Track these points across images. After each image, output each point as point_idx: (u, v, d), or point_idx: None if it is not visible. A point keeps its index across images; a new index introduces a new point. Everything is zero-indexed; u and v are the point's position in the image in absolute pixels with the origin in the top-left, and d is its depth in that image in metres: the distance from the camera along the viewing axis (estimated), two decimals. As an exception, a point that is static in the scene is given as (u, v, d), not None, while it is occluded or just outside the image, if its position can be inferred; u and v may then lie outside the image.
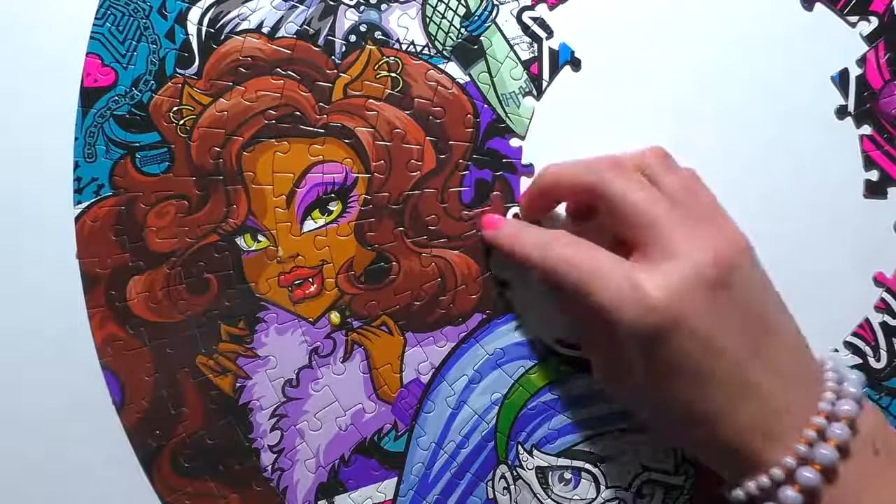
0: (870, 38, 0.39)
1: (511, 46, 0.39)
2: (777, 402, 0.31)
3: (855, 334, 0.39)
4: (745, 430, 0.31)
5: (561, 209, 0.38)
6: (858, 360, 0.39)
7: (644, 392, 0.33)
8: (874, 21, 0.39)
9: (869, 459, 0.31)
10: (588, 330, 0.36)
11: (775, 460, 0.31)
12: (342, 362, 0.39)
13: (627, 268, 0.31)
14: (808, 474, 0.30)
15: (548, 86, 0.39)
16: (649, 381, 0.32)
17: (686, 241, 0.31)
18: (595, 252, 0.33)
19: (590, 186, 0.33)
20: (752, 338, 0.31)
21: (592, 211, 0.36)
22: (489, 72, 0.39)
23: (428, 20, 0.39)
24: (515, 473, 0.39)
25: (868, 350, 0.39)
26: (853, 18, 0.39)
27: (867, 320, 0.39)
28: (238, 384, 0.39)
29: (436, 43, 0.39)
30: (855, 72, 0.39)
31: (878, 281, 0.39)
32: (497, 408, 0.39)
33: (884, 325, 0.39)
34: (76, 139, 0.38)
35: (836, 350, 0.39)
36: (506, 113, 0.39)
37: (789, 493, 0.30)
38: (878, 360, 0.39)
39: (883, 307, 0.39)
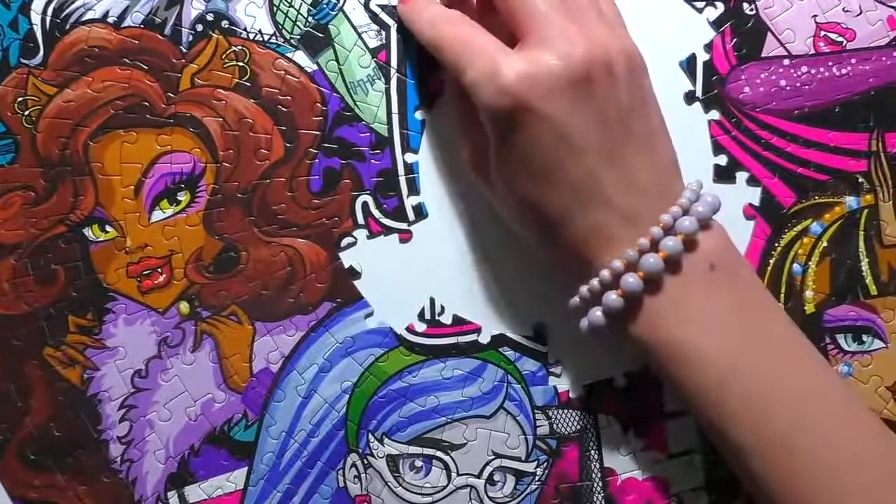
0: (716, 24, 0.39)
1: (359, 34, 0.39)
2: (623, 211, 0.32)
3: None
4: (589, 235, 0.32)
5: None
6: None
7: (499, 184, 0.33)
8: (720, 7, 0.39)
9: (700, 275, 0.32)
10: (463, 113, 0.36)
11: (605, 265, 0.32)
12: (192, 352, 0.39)
13: (497, 50, 0.32)
14: (630, 279, 0.31)
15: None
16: (503, 171, 0.33)
17: (562, 33, 0.31)
18: (475, 32, 0.33)
19: None
20: (609, 143, 0.31)
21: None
22: (337, 60, 0.39)
23: (275, 9, 0.39)
24: (366, 462, 0.39)
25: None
26: (700, 4, 0.40)
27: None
28: (86, 375, 0.39)
29: (283, 31, 0.39)
30: (702, 57, 0.39)
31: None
32: (347, 396, 0.39)
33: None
34: (-83, 130, 0.38)
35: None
36: (354, 101, 0.39)
37: (612, 296, 0.31)
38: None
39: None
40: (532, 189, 0.32)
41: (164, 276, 0.39)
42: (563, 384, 0.39)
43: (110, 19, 0.39)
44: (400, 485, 0.39)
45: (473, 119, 0.34)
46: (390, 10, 0.39)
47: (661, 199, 0.32)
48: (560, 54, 0.31)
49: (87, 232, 0.39)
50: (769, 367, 0.32)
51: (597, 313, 0.32)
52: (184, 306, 0.39)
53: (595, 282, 0.32)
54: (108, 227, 0.39)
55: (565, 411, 0.39)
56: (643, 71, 0.33)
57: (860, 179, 0.39)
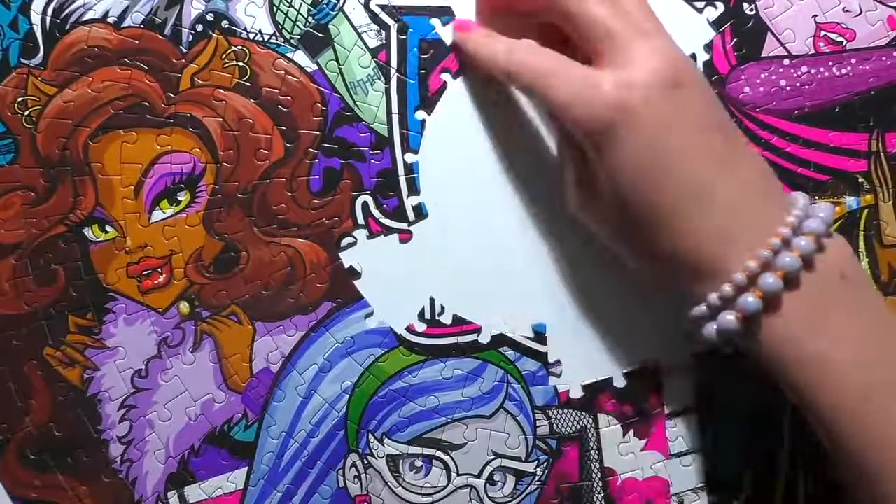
0: (716, 24, 0.39)
1: (359, 34, 0.39)
2: (742, 211, 0.31)
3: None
4: (710, 236, 0.31)
5: None
6: (708, 345, 0.39)
7: (607, 201, 0.33)
8: (720, 7, 0.39)
9: (835, 281, 0.31)
10: (561, 147, 0.36)
11: (738, 267, 0.30)
12: (192, 352, 0.39)
13: (585, 70, 0.32)
14: (770, 279, 0.30)
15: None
16: (609, 185, 0.32)
17: (642, 49, 0.32)
18: (556, 56, 0.33)
19: (556, 7, 0.34)
20: (713, 142, 0.31)
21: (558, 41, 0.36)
22: (337, 60, 0.39)
23: (275, 9, 0.39)
24: (366, 462, 0.39)
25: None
26: (700, 4, 0.40)
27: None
28: (86, 375, 0.39)
29: (283, 32, 0.39)
30: (702, 57, 0.39)
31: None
32: (347, 396, 0.39)
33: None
34: (-83, 131, 0.38)
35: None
36: (354, 101, 0.39)
37: (750, 298, 0.30)
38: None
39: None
40: (641, 194, 0.31)
41: (164, 276, 0.39)
42: (563, 384, 0.39)
43: (110, 19, 0.39)
44: (400, 485, 0.39)
45: (567, 150, 0.35)
46: (390, 11, 0.39)
47: (775, 199, 0.32)
48: (651, 66, 0.31)
49: (87, 232, 0.39)
50: None
51: (728, 317, 0.31)
52: (184, 306, 0.39)
53: (727, 286, 0.30)
54: (108, 227, 0.39)
55: (565, 411, 0.39)
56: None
57: (860, 179, 0.39)
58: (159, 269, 0.39)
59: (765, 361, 0.31)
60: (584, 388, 0.39)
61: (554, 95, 0.32)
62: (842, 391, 0.30)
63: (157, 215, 0.39)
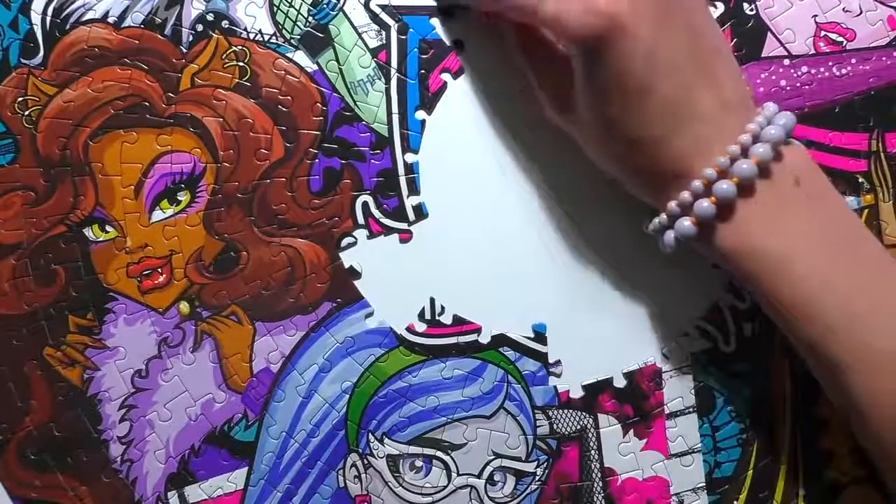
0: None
1: (359, 34, 0.39)
2: (715, 124, 0.32)
3: (705, 318, 0.39)
4: (684, 152, 0.32)
5: None
6: (708, 345, 0.39)
7: (588, 114, 0.33)
8: (720, 6, 0.39)
9: (788, 187, 0.32)
10: (538, 57, 0.36)
11: (699, 175, 0.32)
12: (192, 352, 0.39)
13: None
14: (724, 185, 0.31)
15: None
16: (594, 99, 0.32)
17: None
18: None
19: None
20: (699, 56, 0.32)
21: None
22: (337, 60, 0.39)
23: (275, 9, 0.39)
24: (367, 462, 0.39)
25: (718, 335, 0.39)
26: (700, 4, 0.39)
27: (716, 304, 0.39)
28: (86, 375, 0.39)
29: (283, 32, 0.39)
30: (702, 57, 0.39)
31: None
32: (347, 396, 0.39)
33: (732, 308, 0.39)
34: (-83, 130, 0.38)
35: (687, 334, 0.39)
36: (354, 101, 0.39)
37: (704, 204, 0.31)
38: (728, 345, 0.39)
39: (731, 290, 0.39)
40: (626, 113, 0.32)
41: (164, 276, 0.39)
42: (563, 384, 0.39)
43: (111, 19, 0.39)
44: (400, 485, 0.39)
45: (547, 59, 0.35)
46: (390, 10, 0.39)
47: (746, 111, 0.33)
48: None
49: (88, 232, 0.39)
50: (867, 283, 0.32)
51: (685, 223, 0.32)
52: (184, 306, 0.39)
53: (686, 193, 0.32)
54: (108, 227, 0.39)
55: (565, 411, 0.39)
56: None
57: (860, 179, 0.39)
58: (159, 269, 0.39)
59: (723, 262, 0.33)
60: (585, 388, 0.39)
61: (544, 9, 0.31)
62: (796, 287, 0.31)
63: (158, 215, 0.39)
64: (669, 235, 0.33)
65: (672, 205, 0.33)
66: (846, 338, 0.31)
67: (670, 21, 0.31)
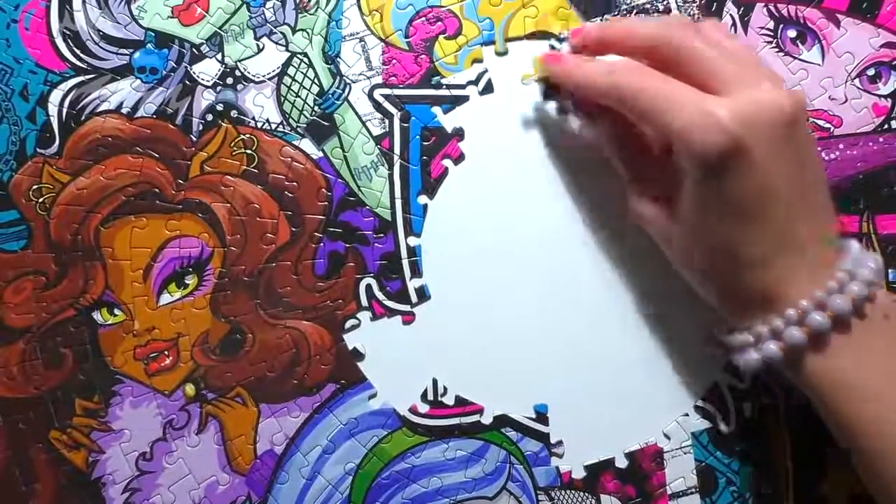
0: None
1: (363, 122, 0.41)
2: (813, 256, 0.32)
3: (704, 398, 0.40)
4: (780, 280, 0.32)
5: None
6: (708, 425, 0.40)
7: (689, 226, 0.33)
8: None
9: (879, 322, 0.33)
10: (634, 153, 0.37)
11: (795, 305, 0.32)
12: (196, 434, 0.39)
13: (702, 96, 0.32)
14: (818, 317, 0.32)
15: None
16: (701, 215, 0.33)
17: (755, 84, 0.32)
18: (668, 79, 0.33)
19: (665, 40, 0.34)
20: (805, 187, 0.32)
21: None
22: (342, 147, 0.41)
23: (283, 99, 0.41)
24: (370, 545, 0.39)
25: (718, 414, 0.40)
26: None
27: (715, 384, 0.40)
28: (91, 458, 0.39)
29: (290, 120, 0.41)
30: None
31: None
32: (351, 478, 0.39)
33: (732, 388, 0.40)
34: (-66, 218, 0.39)
35: (687, 414, 0.40)
36: (358, 186, 0.40)
37: (795, 332, 0.32)
38: (728, 424, 0.40)
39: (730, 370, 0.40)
40: (730, 233, 0.32)
41: (170, 358, 0.39)
42: (565, 464, 0.39)
43: (124, 110, 0.40)
44: (403, 568, 0.39)
45: (644, 157, 0.36)
46: (393, 100, 0.41)
47: (838, 247, 0.34)
48: (772, 98, 0.31)
49: (96, 315, 0.39)
50: None
51: (772, 346, 0.33)
52: (189, 388, 0.39)
53: (777, 321, 0.33)
54: (116, 311, 0.39)
55: (568, 492, 0.39)
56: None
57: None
58: (166, 352, 0.39)
59: (804, 388, 0.34)
60: (587, 468, 0.39)
61: (670, 122, 0.32)
62: (878, 415, 0.32)
63: (165, 298, 0.40)
64: (752, 355, 0.34)
65: (763, 329, 0.33)
66: None
67: (786, 149, 0.32)
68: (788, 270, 0.32)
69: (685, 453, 0.39)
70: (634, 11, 0.41)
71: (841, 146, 0.40)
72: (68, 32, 0.40)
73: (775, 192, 0.32)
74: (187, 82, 0.40)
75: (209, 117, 0.40)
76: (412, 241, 0.40)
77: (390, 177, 0.40)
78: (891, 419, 0.32)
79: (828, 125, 0.40)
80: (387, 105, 0.41)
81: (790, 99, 0.32)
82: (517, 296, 0.40)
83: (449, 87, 0.41)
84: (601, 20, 0.41)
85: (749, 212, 0.32)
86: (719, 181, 0.31)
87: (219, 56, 0.40)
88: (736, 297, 0.34)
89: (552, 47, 0.41)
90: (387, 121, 0.41)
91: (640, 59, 0.35)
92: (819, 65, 0.41)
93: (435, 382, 0.40)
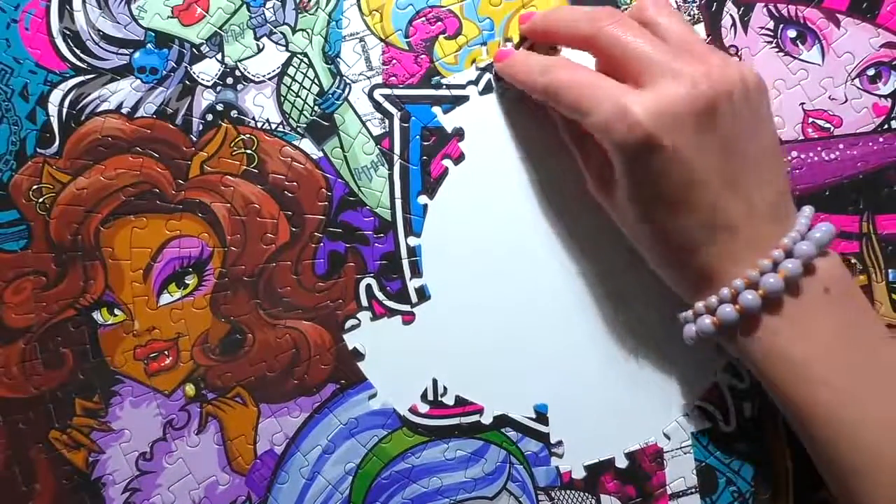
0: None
1: (363, 122, 0.41)
2: (746, 236, 0.33)
3: (705, 398, 0.40)
4: (715, 260, 0.33)
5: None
6: (708, 425, 0.40)
7: (626, 210, 0.35)
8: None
9: (818, 297, 0.33)
10: (583, 138, 0.38)
11: (727, 283, 0.33)
12: (196, 434, 0.39)
13: (621, 90, 0.33)
14: (749, 296, 0.32)
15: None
16: (633, 202, 0.34)
17: (680, 69, 0.32)
18: (593, 75, 0.34)
19: (587, 35, 0.35)
20: (731, 171, 0.33)
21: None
22: (342, 147, 0.41)
23: (283, 99, 0.41)
24: (369, 545, 0.39)
25: (718, 414, 0.40)
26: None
27: (716, 384, 0.40)
28: (91, 458, 0.39)
29: (290, 120, 0.41)
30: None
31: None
32: (351, 478, 0.39)
33: (732, 388, 0.40)
34: (-66, 218, 0.39)
35: (688, 414, 0.40)
36: (358, 186, 0.40)
37: (727, 309, 0.33)
38: (728, 424, 0.40)
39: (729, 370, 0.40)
40: (661, 219, 0.34)
41: (170, 358, 0.39)
42: (565, 465, 0.39)
43: (124, 110, 0.40)
44: (403, 568, 0.39)
45: (591, 142, 0.36)
46: (393, 100, 0.41)
47: (779, 222, 0.34)
48: (684, 88, 0.32)
49: (96, 315, 0.39)
50: (883, 392, 0.32)
51: (706, 321, 0.34)
52: (189, 388, 0.39)
53: (713, 298, 0.33)
54: (116, 311, 0.39)
55: (568, 492, 0.39)
56: (761, 92, 0.34)
57: (853, 260, 0.40)
58: (166, 352, 0.39)
59: (743, 361, 0.35)
60: (587, 468, 0.39)
61: (588, 115, 0.33)
62: (814, 394, 0.32)
63: (165, 298, 0.40)
64: (690, 329, 0.35)
65: (699, 305, 0.34)
66: (858, 443, 0.32)
67: (704, 138, 0.32)
68: (723, 251, 0.33)
69: (685, 453, 0.39)
70: (634, 11, 0.41)
71: (841, 146, 0.40)
72: (68, 32, 0.40)
73: (698, 180, 0.32)
74: (187, 82, 0.40)
75: (209, 117, 0.40)
76: (412, 241, 0.40)
77: (390, 177, 0.40)
78: (841, 404, 0.32)
79: (828, 125, 0.40)
80: (387, 105, 0.41)
81: (708, 84, 0.32)
82: (517, 296, 0.40)
83: (449, 87, 0.41)
84: None
85: (673, 199, 0.33)
86: (640, 172, 0.33)
87: (219, 56, 0.40)
88: (681, 278, 0.35)
89: (507, 40, 0.41)
90: (387, 121, 0.41)
91: (587, 51, 0.36)
92: (819, 65, 0.41)
93: (435, 382, 0.40)
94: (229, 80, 0.40)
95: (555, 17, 0.37)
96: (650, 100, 0.32)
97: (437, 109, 0.41)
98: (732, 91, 0.33)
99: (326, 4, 0.41)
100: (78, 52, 0.40)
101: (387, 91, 0.41)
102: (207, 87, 0.40)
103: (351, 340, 0.40)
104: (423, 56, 0.41)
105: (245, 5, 0.41)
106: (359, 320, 0.40)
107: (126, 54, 0.40)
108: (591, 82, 0.34)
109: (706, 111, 0.32)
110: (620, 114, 0.32)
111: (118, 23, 0.40)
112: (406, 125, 0.41)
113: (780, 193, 0.34)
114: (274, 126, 0.40)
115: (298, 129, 0.40)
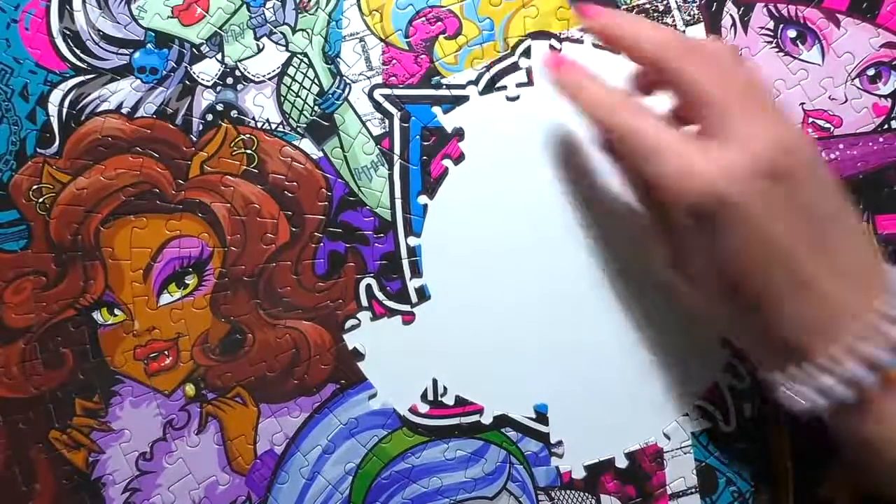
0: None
1: (363, 122, 0.41)
2: (834, 301, 0.31)
3: (704, 398, 0.40)
4: (797, 325, 0.31)
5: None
6: (708, 424, 0.40)
7: (703, 274, 0.33)
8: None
9: None
10: (655, 213, 0.36)
11: (823, 353, 0.30)
12: (196, 434, 0.39)
13: (685, 146, 0.31)
14: (858, 370, 0.30)
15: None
16: (705, 262, 0.32)
17: (749, 126, 0.31)
18: (659, 127, 0.32)
19: (664, 65, 0.33)
20: (811, 232, 0.31)
21: (652, 87, 0.36)
22: (342, 147, 0.41)
23: (283, 99, 0.41)
24: (370, 545, 0.39)
25: (718, 414, 0.40)
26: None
27: (715, 384, 0.40)
28: (91, 458, 0.39)
29: (290, 120, 0.41)
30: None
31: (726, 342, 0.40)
32: (351, 478, 0.39)
33: (732, 388, 0.40)
34: (-66, 218, 0.39)
35: (687, 414, 0.40)
36: (358, 186, 0.40)
37: (830, 383, 0.30)
38: (728, 424, 0.40)
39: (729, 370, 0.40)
40: (740, 279, 0.31)
41: (170, 358, 0.39)
42: (565, 465, 0.39)
43: (124, 110, 0.40)
44: (403, 568, 0.39)
45: (663, 218, 0.34)
46: (393, 100, 0.41)
47: (868, 284, 0.31)
48: (752, 150, 0.30)
49: (96, 315, 0.39)
50: None
51: (820, 402, 0.31)
52: (189, 388, 0.39)
53: (810, 367, 0.31)
54: (116, 311, 0.39)
55: (568, 492, 0.39)
56: (819, 154, 0.33)
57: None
58: (166, 352, 0.39)
59: (849, 439, 0.32)
60: (587, 468, 0.39)
61: (653, 172, 0.32)
62: None
63: (165, 298, 0.40)
64: (810, 394, 0.31)
65: (794, 371, 0.32)
66: None
67: (776, 197, 0.30)
68: (810, 319, 0.31)
69: (685, 453, 0.39)
70: (634, 11, 0.41)
71: (841, 146, 0.40)
72: (68, 32, 0.40)
73: (769, 239, 0.30)
74: (187, 82, 0.40)
75: (209, 117, 0.40)
76: (412, 241, 0.40)
77: (390, 177, 0.40)
78: None
79: (828, 125, 0.40)
80: (387, 105, 0.41)
81: (777, 147, 0.30)
82: (517, 296, 0.40)
83: (449, 87, 0.41)
84: None
85: (747, 258, 0.31)
86: (707, 231, 0.31)
87: (219, 56, 0.40)
88: (758, 344, 0.33)
89: (552, 47, 0.41)
90: (387, 121, 0.41)
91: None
92: (819, 65, 0.41)
93: (435, 382, 0.40)
94: (229, 80, 0.40)
95: (625, 26, 0.35)
96: (714, 158, 0.31)
97: (437, 109, 0.41)
98: (805, 152, 0.31)
99: (326, 4, 0.41)
100: (78, 52, 0.40)
101: (387, 91, 0.41)
102: (207, 87, 0.40)
103: (351, 340, 0.40)
104: (423, 56, 0.41)
105: (245, 5, 0.41)
106: (359, 320, 0.40)
107: (126, 54, 0.40)
108: (658, 132, 0.32)
109: (776, 173, 0.30)
110: (687, 167, 0.31)
111: (118, 23, 0.40)
112: (406, 125, 0.41)
113: (867, 253, 0.32)
114: (274, 126, 0.40)
115: (298, 129, 0.40)
